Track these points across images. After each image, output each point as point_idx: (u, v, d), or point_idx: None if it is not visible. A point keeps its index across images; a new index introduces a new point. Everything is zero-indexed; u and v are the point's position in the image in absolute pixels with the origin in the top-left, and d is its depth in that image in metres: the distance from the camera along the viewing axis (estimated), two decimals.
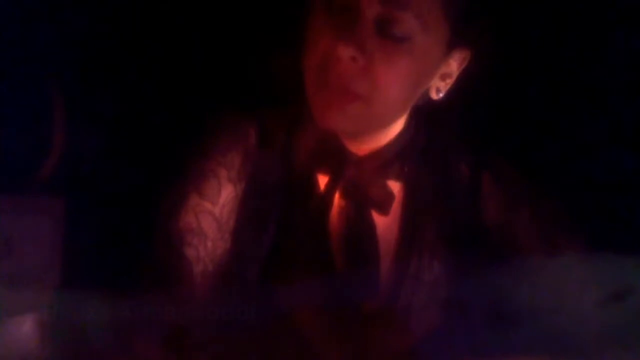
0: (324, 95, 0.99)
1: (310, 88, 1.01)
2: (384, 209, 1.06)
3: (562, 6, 1.22)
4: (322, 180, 1.06)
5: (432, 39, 0.98)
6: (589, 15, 1.22)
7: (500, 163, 1.12)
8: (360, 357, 1.02)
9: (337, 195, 1.06)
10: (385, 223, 1.07)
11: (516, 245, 1.09)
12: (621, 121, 1.23)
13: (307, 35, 1.01)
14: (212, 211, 1.04)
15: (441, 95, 1.05)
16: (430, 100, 1.06)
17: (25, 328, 1.03)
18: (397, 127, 1.07)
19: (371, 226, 1.05)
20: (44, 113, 1.17)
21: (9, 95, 1.14)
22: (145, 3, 1.25)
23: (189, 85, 1.26)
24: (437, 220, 1.09)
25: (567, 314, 1.01)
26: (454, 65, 1.04)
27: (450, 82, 1.05)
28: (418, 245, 1.07)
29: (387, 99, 1.00)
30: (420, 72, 1.01)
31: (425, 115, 1.08)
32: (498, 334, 1.00)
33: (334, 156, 1.05)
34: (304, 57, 1.01)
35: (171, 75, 1.26)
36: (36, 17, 1.19)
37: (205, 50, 1.26)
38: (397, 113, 1.05)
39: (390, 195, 1.06)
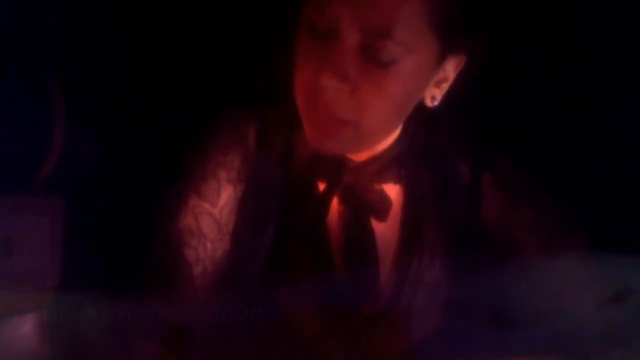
0: (314, 121, 0.99)
1: (301, 111, 1.00)
2: (381, 216, 1.06)
3: (558, 4, 1.22)
4: (322, 182, 1.06)
5: (421, 56, 0.96)
6: (588, 12, 1.22)
7: (500, 163, 1.12)
8: (360, 358, 1.02)
9: (336, 200, 1.05)
10: (385, 226, 1.06)
11: (516, 245, 1.08)
12: (620, 120, 1.23)
13: (295, 58, 0.99)
14: (212, 212, 1.04)
15: (436, 103, 1.03)
16: (425, 107, 1.04)
17: (25, 328, 1.03)
18: (395, 132, 1.06)
19: (370, 231, 1.05)
20: (43, 113, 1.17)
21: (9, 95, 1.14)
22: (146, 3, 1.25)
23: (188, 85, 1.25)
24: (437, 221, 1.09)
25: (568, 314, 1.01)
26: (450, 70, 1.02)
27: (446, 86, 1.03)
28: (418, 246, 1.07)
29: (378, 122, 0.99)
30: (411, 89, 0.99)
31: (424, 117, 1.07)
32: (498, 335, 1.00)
33: (332, 162, 1.04)
34: (293, 79, 1.00)
35: (171, 75, 1.26)
36: (36, 17, 1.19)
37: (204, 50, 1.26)
38: (390, 129, 1.04)
39: (387, 201, 1.06)
